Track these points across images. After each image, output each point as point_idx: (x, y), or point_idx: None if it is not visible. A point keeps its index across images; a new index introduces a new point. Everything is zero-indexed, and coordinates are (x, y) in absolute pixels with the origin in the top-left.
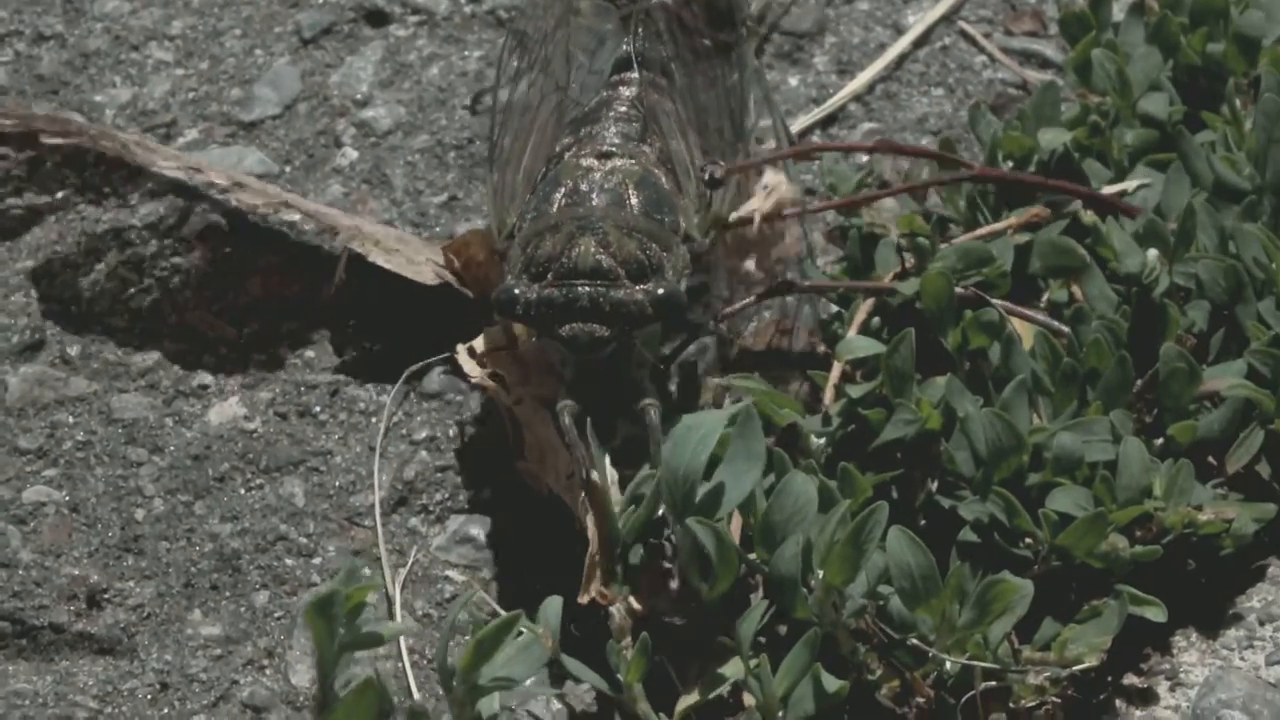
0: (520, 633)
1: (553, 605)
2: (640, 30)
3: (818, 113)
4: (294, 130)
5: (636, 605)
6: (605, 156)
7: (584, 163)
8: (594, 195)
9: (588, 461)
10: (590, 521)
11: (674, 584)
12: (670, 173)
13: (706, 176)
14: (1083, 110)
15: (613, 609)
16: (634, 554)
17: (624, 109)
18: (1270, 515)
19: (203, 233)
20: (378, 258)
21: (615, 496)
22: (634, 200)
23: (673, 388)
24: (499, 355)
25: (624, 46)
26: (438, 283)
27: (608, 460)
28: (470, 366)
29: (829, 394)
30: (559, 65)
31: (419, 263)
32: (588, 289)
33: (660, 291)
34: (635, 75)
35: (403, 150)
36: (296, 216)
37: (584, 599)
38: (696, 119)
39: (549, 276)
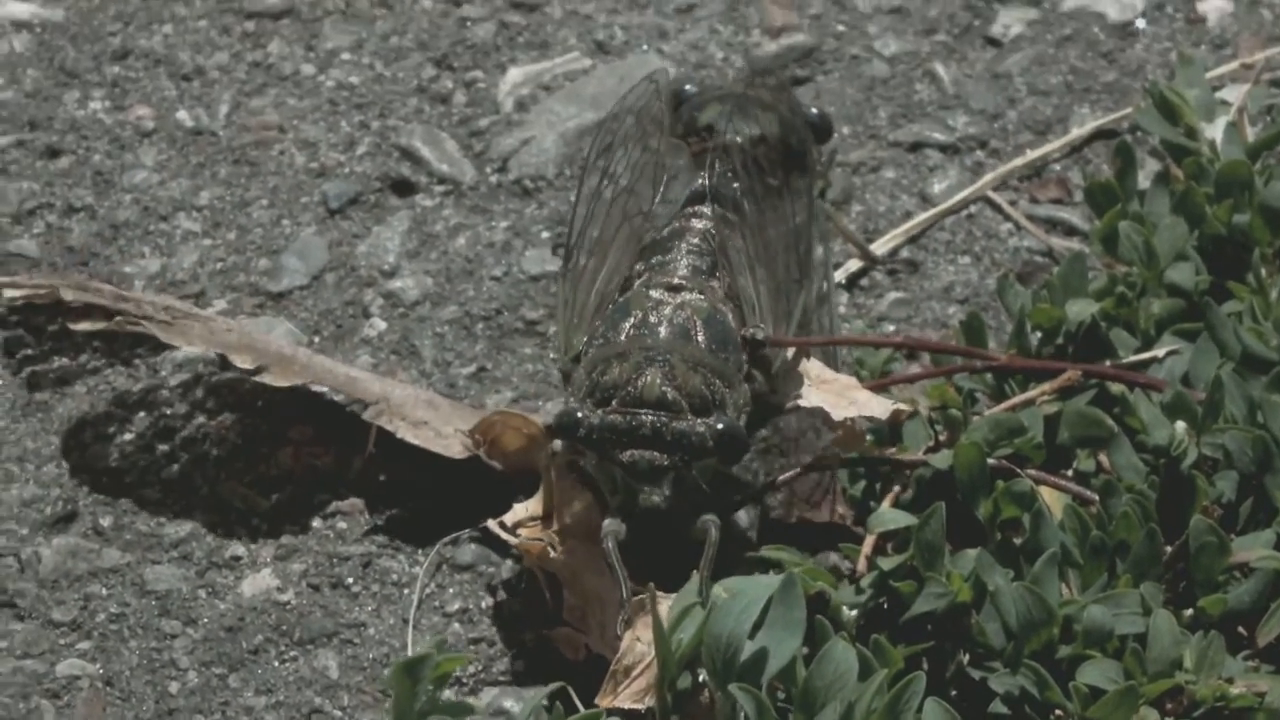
0: None
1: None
2: (717, 165)
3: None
4: (322, 300)
5: None
6: (675, 290)
7: (654, 294)
8: (662, 328)
9: (626, 581)
10: (629, 635)
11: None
12: (736, 309)
13: (749, 336)
14: (1110, 281)
15: None
16: (683, 680)
17: (696, 241)
18: None
19: (234, 403)
20: (405, 433)
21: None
22: (700, 336)
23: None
24: (533, 525)
25: (700, 180)
26: (465, 456)
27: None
28: (505, 535)
29: (862, 564)
30: (643, 190)
31: (447, 436)
32: (651, 418)
33: (720, 426)
34: (708, 210)
35: (431, 321)
36: (324, 389)
37: (606, 703)
38: (765, 254)
39: (613, 403)
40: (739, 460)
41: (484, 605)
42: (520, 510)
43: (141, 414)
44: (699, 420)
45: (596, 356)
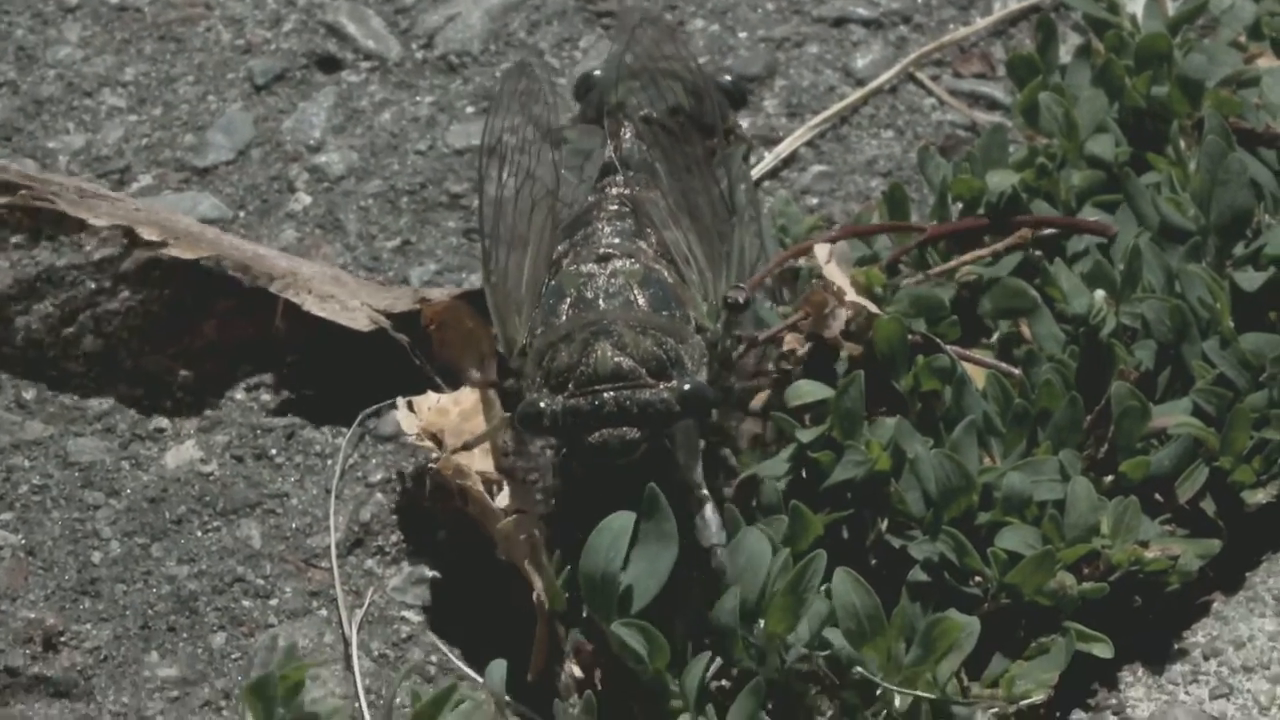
0: (463, 700)
1: (497, 669)
2: (625, 134)
3: (770, 160)
4: (247, 176)
5: (579, 673)
6: (604, 259)
7: (585, 269)
8: (600, 300)
9: (551, 586)
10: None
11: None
12: (671, 264)
13: (730, 301)
14: (1030, 152)
15: (560, 670)
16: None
17: (614, 207)
18: (1214, 551)
19: (158, 277)
20: (312, 306)
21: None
22: (640, 299)
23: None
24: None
25: (608, 152)
26: (372, 329)
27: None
28: (409, 423)
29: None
30: (546, 172)
31: (353, 309)
32: (612, 394)
33: (686, 388)
34: (620, 177)
35: (356, 195)
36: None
37: (532, 677)
38: (686, 203)
39: (570, 386)
40: (708, 413)
41: (407, 475)
42: (433, 399)
43: (64, 288)
44: (661, 385)
45: (542, 345)
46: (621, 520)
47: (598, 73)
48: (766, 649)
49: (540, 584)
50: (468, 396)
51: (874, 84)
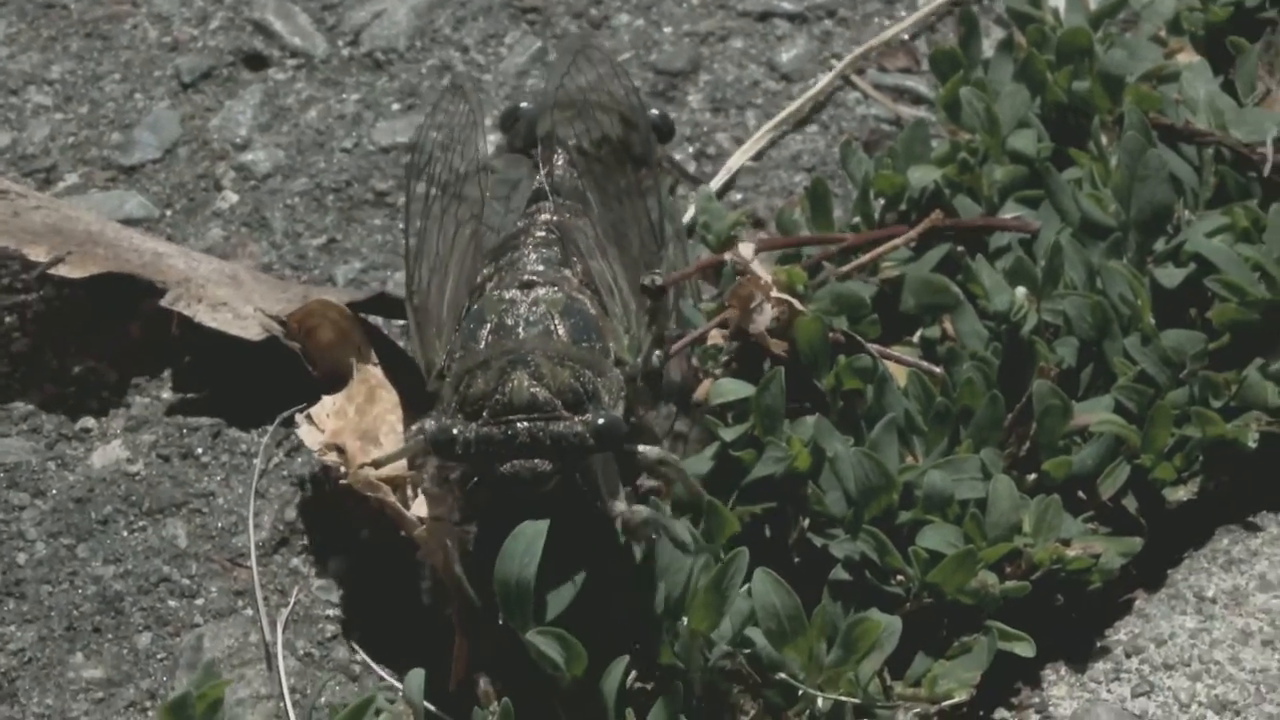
0: (379, 711)
1: (416, 679)
2: (557, 162)
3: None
4: (174, 174)
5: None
6: (527, 286)
7: (507, 295)
8: (520, 328)
9: (467, 596)
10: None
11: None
12: (594, 294)
13: (647, 284)
14: (952, 147)
15: (479, 678)
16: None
17: (541, 234)
18: (1136, 549)
19: (84, 277)
20: (204, 316)
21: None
22: (561, 329)
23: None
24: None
25: (538, 180)
26: (264, 336)
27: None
28: (312, 438)
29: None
30: (471, 194)
31: (245, 316)
32: (526, 424)
33: (600, 422)
34: (550, 204)
35: (282, 193)
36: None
37: (454, 688)
38: (614, 233)
39: (485, 414)
40: (619, 447)
41: (325, 478)
42: (329, 404)
43: None
44: (575, 419)
45: (460, 370)
46: (535, 527)
47: (525, 105)
48: (690, 647)
49: (455, 595)
50: (358, 389)
51: (813, 89)
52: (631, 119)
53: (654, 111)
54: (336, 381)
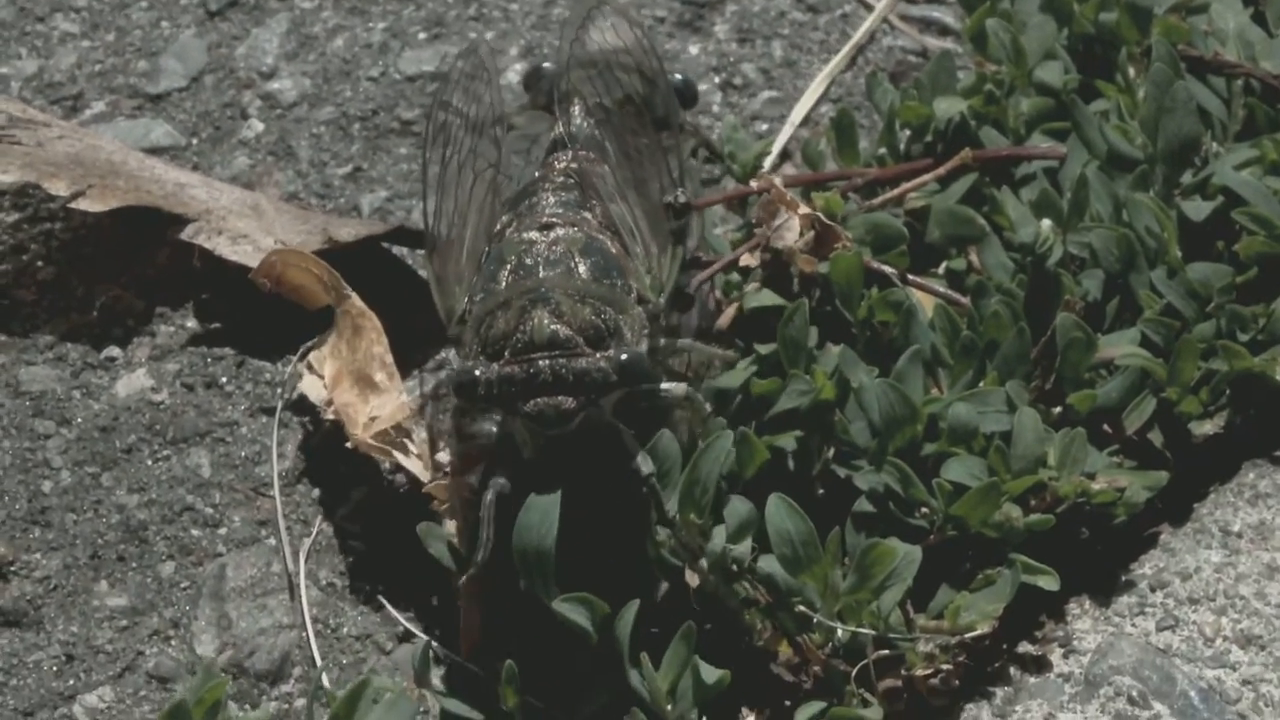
0: (381, 694)
1: (419, 652)
2: (574, 112)
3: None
4: (200, 103)
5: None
6: (547, 228)
7: (526, 236)
8: (541, 267)
9: (488, 547)
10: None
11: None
12: (615, 236)
13: (673, 201)
14: (979, 79)
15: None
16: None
17: (560, 179)
18: (1161, 483)
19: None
20: (224, 250)
21: None
22: (581, 267)
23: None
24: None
25: (557, 129)
26: None
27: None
28: (315, 391)
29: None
30: (489, 148)
31: (265, 249)
32: (548, 361)
33: (623, 357)
34: (568, 152)
35: (308, 122)
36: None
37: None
38: (634, 179)
39: (506, 354)
40: (643, 382)
41: None
42: (327, 345)
43: (14, 214)
44: (598, 354)
45: (480, 312)
46: (548, 497)
47: (547, 65)
48: (686, 541)
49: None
50: (344, 323)
51: (857, 35)
52: (653, 79)
53: (678, 76)
54: (327, 315)
